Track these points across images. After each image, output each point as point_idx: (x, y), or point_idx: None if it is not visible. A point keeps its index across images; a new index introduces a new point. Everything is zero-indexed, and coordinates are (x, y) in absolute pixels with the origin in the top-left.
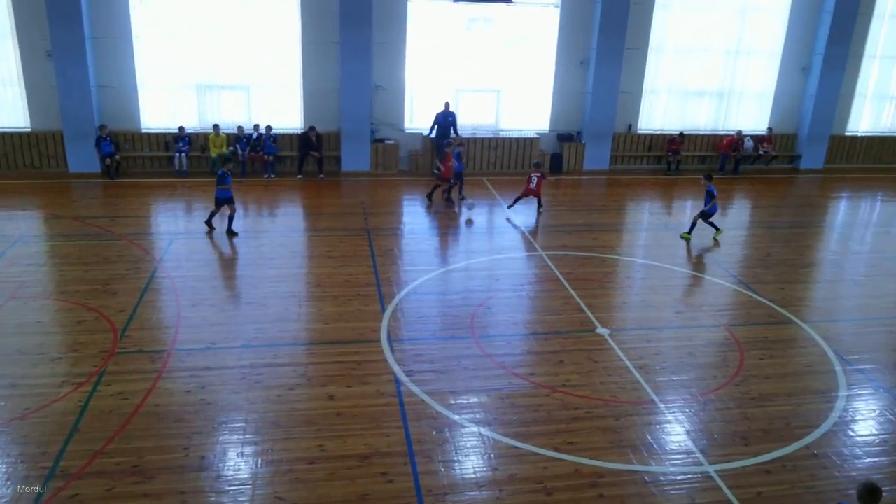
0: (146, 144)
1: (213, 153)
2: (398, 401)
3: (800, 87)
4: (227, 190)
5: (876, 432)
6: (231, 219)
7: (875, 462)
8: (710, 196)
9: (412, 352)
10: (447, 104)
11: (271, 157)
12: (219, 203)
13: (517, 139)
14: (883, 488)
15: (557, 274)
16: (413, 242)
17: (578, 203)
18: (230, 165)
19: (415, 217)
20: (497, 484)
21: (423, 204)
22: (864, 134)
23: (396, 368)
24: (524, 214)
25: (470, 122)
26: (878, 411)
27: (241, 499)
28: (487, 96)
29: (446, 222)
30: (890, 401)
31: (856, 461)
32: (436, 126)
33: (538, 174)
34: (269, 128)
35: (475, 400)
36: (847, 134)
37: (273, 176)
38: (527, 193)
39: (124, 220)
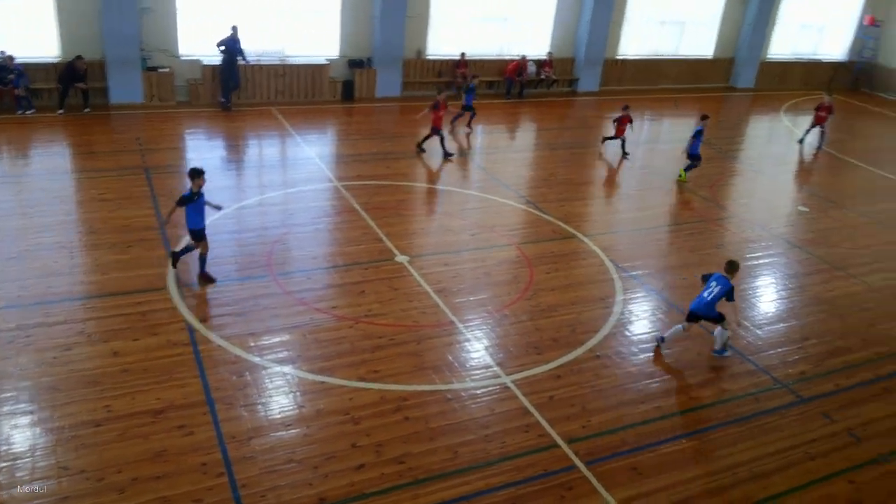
0: None
1: None
2: (192, 349)
3: (576, 13)
4: (200, 217)
5: (648, 330)
6: (203, 259)
7: (648, 356)
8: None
9: (205, 296)
10: (235, 28)
11: (23, 91)
12: (195, 237)
13: (306, 66)
14: (653, 380)
15: (354, 204)
16: None
17: (372, 131)
18: (200, 181)
19: (200, 152)
20: (304, 420)
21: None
22: (632, 57)
23: (188, 315)
24: (319, 145)
25: (254, 48)
26: (649, 312)
27: (19, 474)
28: (272, 20)
29: (236, 156)
30: (659, 301)
31: (632, 358)
32: (223, 48)
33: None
34: (10, 57)
35: (277, 339)
36: (618, 58)
37: (30, 112)
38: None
39: None
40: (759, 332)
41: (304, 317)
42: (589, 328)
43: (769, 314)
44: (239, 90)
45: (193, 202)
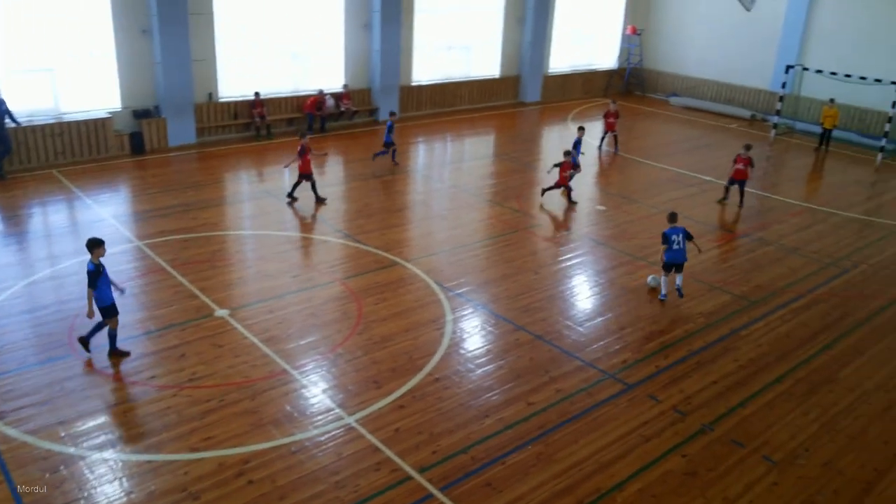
0: None
1: None
2: None
3: (365, 44)
4: (108, 290)
5: (481, 345)
6: (113, 337)
7: (485, 370)
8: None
9: (0, 389)
10: None
11: None
12: (107, 314)
13: (86, 121)
14: (492, 393)
15: (161, 262)
16: None
17: (170, 183)
18: (99, 251)
19: None
20: None
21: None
22: (426, 83)
23: None
24: (112, 204)
25: (23, 107)
26: (479, 326)
27: None
28: (39, 76)
29: (17, 228)
30: (487, 314)
31: (470, 374)
32: None
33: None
34: None
35: (92, 423)
36: (413, 84)
37: None
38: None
39: None
40: (580, 329)
41: (119, 393)
42: (425, 352)
43: (587, 310)
44: (11, 156)
45: (101, 276)
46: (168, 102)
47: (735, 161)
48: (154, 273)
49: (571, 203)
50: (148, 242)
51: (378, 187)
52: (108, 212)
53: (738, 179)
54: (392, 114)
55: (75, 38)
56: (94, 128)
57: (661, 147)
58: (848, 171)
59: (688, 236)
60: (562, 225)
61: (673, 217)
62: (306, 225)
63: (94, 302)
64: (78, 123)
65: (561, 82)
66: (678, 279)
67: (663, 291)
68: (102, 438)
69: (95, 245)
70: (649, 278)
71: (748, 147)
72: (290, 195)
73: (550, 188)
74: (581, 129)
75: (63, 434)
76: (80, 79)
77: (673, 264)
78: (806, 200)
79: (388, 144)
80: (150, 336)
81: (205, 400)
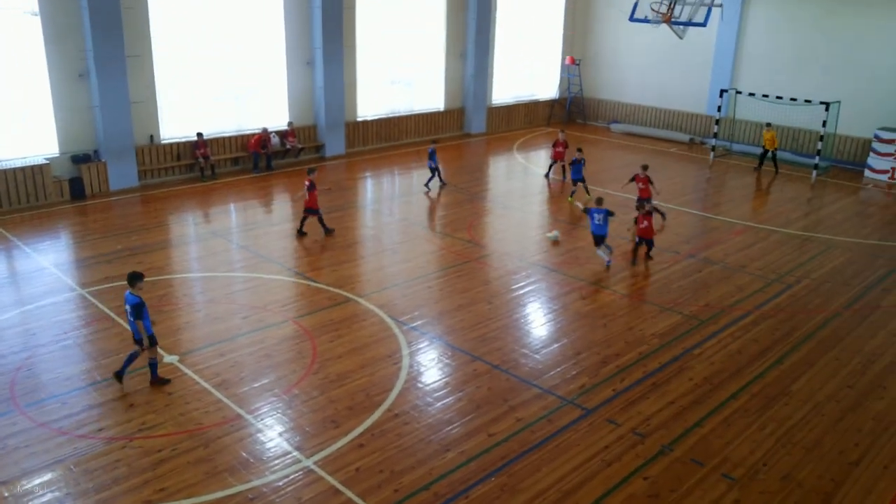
0: None
1: None
2: None
3: (308, 80)
4: (148, 322)
5: (439, 377)
6: (154, 366)
7: (444, 403)
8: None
9: None
10: None
11: None
12: (153, 342)
13: (22, 168)
14: (453, 426)
15: (105, 310)
16: None
17: (113, 227)
18: (141, 284)
19: None
20: None
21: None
22: (372, 118)
23: None
24: (53, 252)
25: None
26: (436, 359)
27: None
28: None
29: None
30: (443, 346)
31: (429, 408)
32: None
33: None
34: None
35: (38, 481)
36: (359, 119)
37: None
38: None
39: None
40: (536, 356)
41: (66, 448)
42: (382, 388)
43: (542, 337)
44: None
45: (145, 306)
46: (108, 146)
47: (635, 180)
48: (99, 321)
49: (648, 258)
50: (92, 290)
51: (328, 223)
52: (48, 260)
53: (646, 198)
54: (434, 141)
55: (8, 83)
56: (32, 174)
57: (605, 173)
58: (785, 189)
59: (609, 213)
60: (513, 254)
61: (599, 201)
62: (255, 264)
63: (135, 332)
64: (14, 171)
65: (505, 113)
66: (606, 256)
67: (554, 235)
68: (49, 496)
69: (138, 278)
70: (552, 233)
71: (645, 167)
72: (300, 231)
73: (648, 249)
74: (579, 149)
75: (6, 494)
76: (14, 125)
77: (596, 236)
78: (747, 219)
79: (434, 169)
80: (96, 386)
81: (156, 450)
